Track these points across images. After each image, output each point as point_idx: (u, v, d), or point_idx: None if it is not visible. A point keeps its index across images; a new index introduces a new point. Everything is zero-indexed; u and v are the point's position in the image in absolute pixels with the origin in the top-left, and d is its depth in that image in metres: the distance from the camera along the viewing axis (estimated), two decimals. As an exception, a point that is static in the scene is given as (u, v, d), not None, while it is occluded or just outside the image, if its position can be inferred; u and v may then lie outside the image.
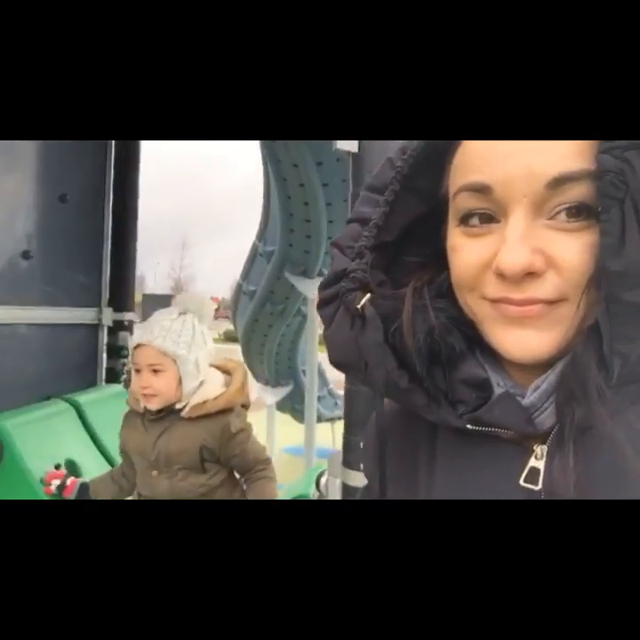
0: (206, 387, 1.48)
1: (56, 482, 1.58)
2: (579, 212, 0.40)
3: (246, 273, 5.20)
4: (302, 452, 5.35)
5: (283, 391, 5.75)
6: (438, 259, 0.49)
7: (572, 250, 0.40)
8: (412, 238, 0.51)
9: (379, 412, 0.58)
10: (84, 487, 1.58)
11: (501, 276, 0.41)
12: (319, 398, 5.35)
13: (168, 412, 1.48)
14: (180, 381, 1.45)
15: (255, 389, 5.97)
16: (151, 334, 1.45)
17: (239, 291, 5.39)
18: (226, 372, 1.56)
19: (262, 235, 4.71)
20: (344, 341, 0.49)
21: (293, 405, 5.92)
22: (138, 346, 1.47)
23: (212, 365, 1.54)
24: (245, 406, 1.55)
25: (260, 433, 5.97)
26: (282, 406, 6.11)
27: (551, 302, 0.41)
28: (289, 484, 2.91)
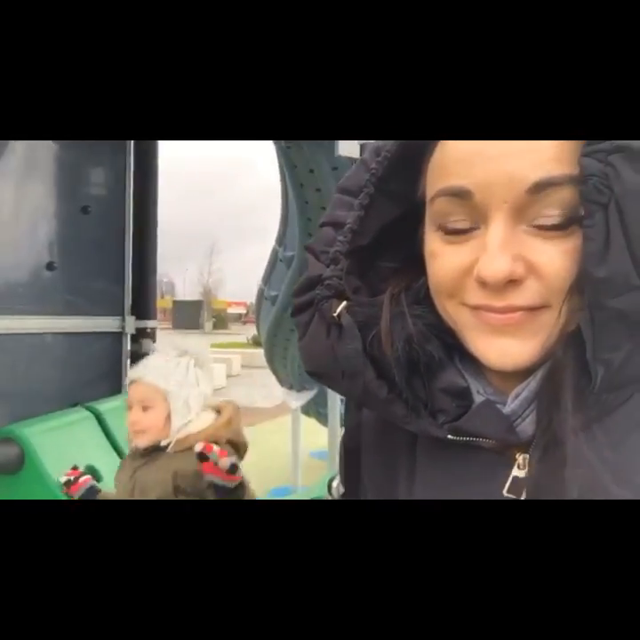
0: (192, 424, 1.49)
1: (64, 478, 1.58)
2: (556, 221, 0.39)
3: (267, 277, 5.22)
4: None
5: (307, 395, 5.75)
6: (415, 263, 0.48)
7: (553, 256, 0.39)
8: (387, 242, 0.50)
9: (352, 422, 0.57)
10: (93, 489, 1.58)
11: (482, 283, 0.40)
12: (343, 402, 5.29)
13: (154, 450, 1.49)
14: (168, 419, 1.47)
15: (279, 394, 5.99)
16: (144, 370, 1.49)
17: (261, 296, 5.41)
18: (220, 412, 1.56)
19: (282, 240, 4.72)
20: (320, 350, 0.47)
21: (318, 409, 5.91)
22: (131, 382, 1.51)
23: (207, 408, 1.54)
24: (235, 445, 1.50)
25: (285, 437, 6.01)
26: (307, 410, 6.11)
27: (532, 309, 0.40)
28: (308, 488, 2.91)
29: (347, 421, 0.58)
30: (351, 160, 1.74)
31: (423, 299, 0.47)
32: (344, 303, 0.46)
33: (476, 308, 0.42)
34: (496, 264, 0.39)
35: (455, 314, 0.44)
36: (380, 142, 0.48)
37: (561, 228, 0.39)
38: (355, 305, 0.47)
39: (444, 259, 0.43)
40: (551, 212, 0.39)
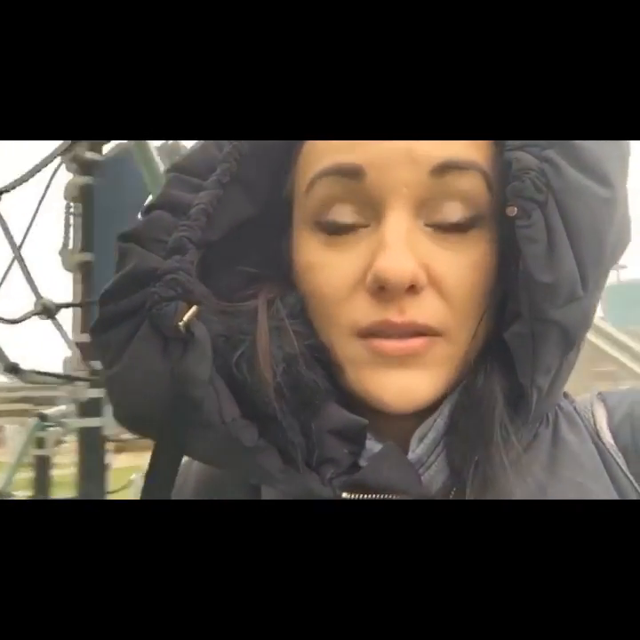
0: None
1: None
2: (459, 217, 0.34)
3: None
4: None
5: None
6: (281, 274, 0.40)
7: (457, 268, 0.34)
8: (241, 243, 0.40)
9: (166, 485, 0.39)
10: None
11: (381, 291, 0.33)
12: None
13: None
14: None
15: None
16: None
17: None
18: None
19: None
20: (148, 381, 0.34)
21: None
22: None
23: None
24: None
25: None
26: None
27: (434, 334, 0.35)
28: None
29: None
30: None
31: (299, 313, 0.37)
32: (194, 308, 0.34)
33: (368, 333, 0.34)
34: (400, 261, 0.32)
35: (343, 347, 0.36)
36: None
37: (463, 228, 0.34)
38: (212, 311, 0.36)
39: (328, 269, 0.35)
40: (453, 207, 0.34)
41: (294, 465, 0.35)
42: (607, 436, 0.39)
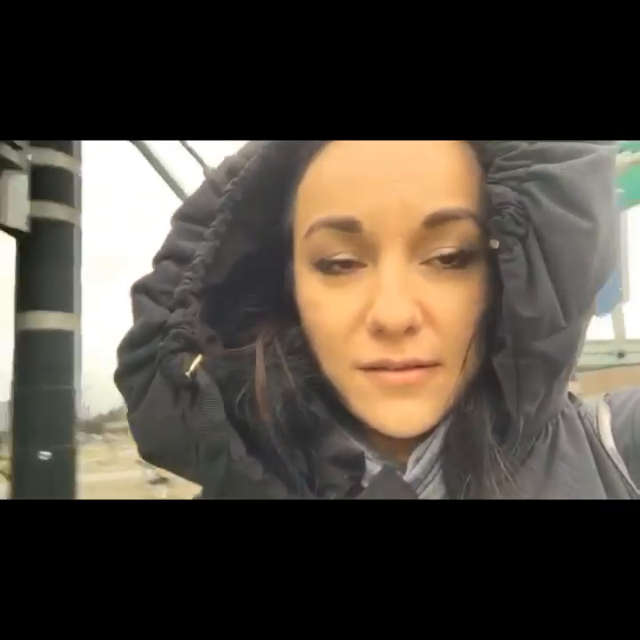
0: None
1: None
2: (453, 256, 0.35)
3: None
4: None
5: None
6: (282, 308, 0.42)
7: (450, 304, 0.36)
8: (243, 282, 0.42)
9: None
10: None
11: (378, 332, 0.35)
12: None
13: None
14: None
15: None
16: None
17: None
18: None
19: None
20: (164, 424, 0.37)
21: None
22: None
23: None
24: None
25: None
26: None
27: (430, 366, 0.36)
28: None
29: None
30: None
31: (298, 349, 0.40)
32: (199, 357, 0.37)
33: (370, 368, 0.36)
34: (397, 307, 0.34)
35: (346, 380, 0.38)
36: (234, 161, 0.40)
37: (457, 266, 0.36)
38: (215, 359, 0.38)
39: (329, 308, 0.37)
40: (447, 249, 0.35)
41: (298, 493, 0.37)
42: (608, 440, 0.40)
